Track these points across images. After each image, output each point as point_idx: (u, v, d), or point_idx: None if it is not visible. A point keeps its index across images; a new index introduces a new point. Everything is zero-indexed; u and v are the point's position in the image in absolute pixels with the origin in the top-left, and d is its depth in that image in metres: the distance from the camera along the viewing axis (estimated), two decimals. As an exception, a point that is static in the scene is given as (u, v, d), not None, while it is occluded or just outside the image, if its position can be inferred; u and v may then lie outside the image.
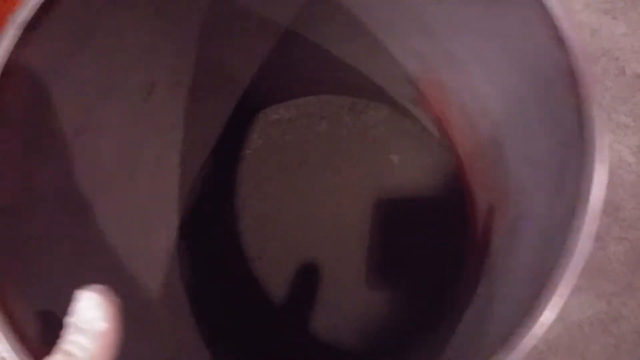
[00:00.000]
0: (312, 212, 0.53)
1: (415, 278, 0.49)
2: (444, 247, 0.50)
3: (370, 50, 0.47)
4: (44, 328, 0.25)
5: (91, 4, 0.31)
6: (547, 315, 0.23)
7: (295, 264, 0.51)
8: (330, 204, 0.52)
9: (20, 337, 0.23)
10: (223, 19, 0.43)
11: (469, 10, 0.33)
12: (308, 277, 0.50)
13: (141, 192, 0.47)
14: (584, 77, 0.25)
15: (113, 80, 0.38)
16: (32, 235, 0.31)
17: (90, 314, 0.23)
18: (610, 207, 0.54)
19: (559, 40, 0.26)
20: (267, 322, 0.50)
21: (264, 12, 0.44)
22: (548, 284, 0.22)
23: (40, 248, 0.31)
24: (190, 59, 0.45)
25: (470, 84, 0.37)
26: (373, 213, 0.51)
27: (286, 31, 0.47)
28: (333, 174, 0.53)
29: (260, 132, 0.56)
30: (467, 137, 0.42)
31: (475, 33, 0.33)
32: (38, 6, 0.28)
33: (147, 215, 0.48)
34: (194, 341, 0.47)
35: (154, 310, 0.45)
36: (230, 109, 0.55)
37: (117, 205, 0.42)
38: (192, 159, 0.55)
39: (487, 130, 0.37)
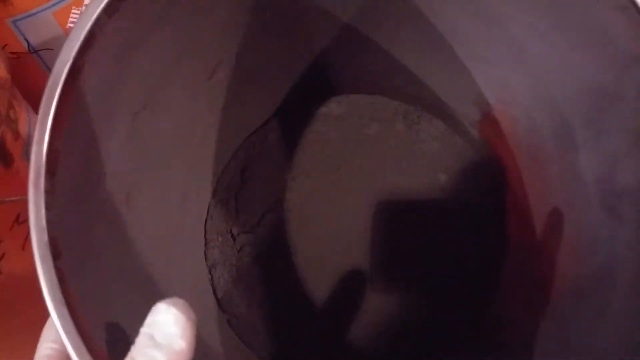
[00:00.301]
0: (346, 218, 0.51)
1: (455, 297, 0.48)
2: (478, 273, 0.49)
3: (442, 64, 0.45)
4: (110, 339, 0.24)
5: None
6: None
7: (326, 264, 0.50)
8: (366, 214, 0.51)
9: (89, 348, 0.21)
10: (292, 12, 0.40)
11: (565, 37, 0.31)
12: (349, 284, 0.49)
13: (184, 169, 0.45)
14: None
15: (184, 57, 0.36)
16: (92, 214, 0.29)
17: (170, 330, 0.22)
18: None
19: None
20: (298, 326, 0.49)
21: (331, 5, 0.42)
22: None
23: (99, 229, 0.30)
24: (254, 44, 0.42)
25: (551, 130, 0.36)
26: (410, 231, 0.50)
27: (350, 27, 0.45)
28: (376, 181, 0.51)
29: (307, 123, 0.54)
30: (530, 186, 0.41)
31: (567, 64, 0.31)
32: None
33: (185, 192, 0.47)
34: (222, 343, 0.46)
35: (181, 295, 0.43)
36: (280, 94, 0.53)
37: (160, 184, 0.41)
38: (233, 140, 0.53)
39: (562, 172, 0.36)
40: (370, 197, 0.51)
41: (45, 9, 0.54)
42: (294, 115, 0.54)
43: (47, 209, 0.23)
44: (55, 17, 0.54)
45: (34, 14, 0.54)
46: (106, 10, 0.25)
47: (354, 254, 0.50)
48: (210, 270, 0.52)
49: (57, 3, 0.54)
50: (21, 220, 0.43)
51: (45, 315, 0.22)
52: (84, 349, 0.22)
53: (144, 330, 0.22)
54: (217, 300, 0.50)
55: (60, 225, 0.24)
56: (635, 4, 0.26)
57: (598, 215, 0.30)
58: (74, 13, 0.55)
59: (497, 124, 0.44)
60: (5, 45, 0.54)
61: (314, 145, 0.54)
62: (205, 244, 0.53)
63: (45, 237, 0.23)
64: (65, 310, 0.22)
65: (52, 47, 0.56)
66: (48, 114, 0.24)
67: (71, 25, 0.55)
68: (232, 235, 0.53)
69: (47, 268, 0.23)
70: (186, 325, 0.22)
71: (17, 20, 0.54)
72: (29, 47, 0.55)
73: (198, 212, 0.50)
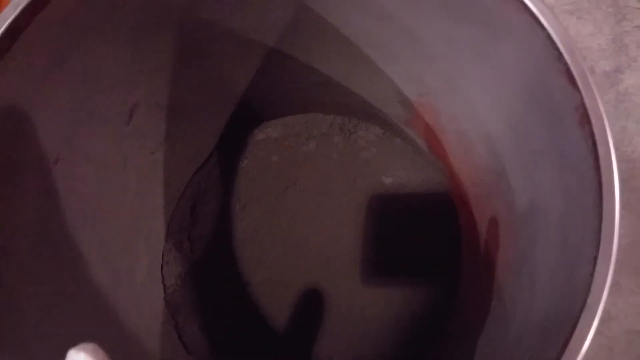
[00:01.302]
0: (302, 236, 0.51)
1: (412, 304, 0.48)
2: (439, 268, 0.48)
3: (362, 71, 0.45)
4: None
5: (61, 31, 0.29)
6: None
7: (286, 289, 0.49)
8: (320, 228, 0.51)
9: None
10: (204, 41, 0.41)
11: (467, 33, 0.31)
12: (305, 305, 0.48)
13: (124, 217, 0.44)
14: (595, 112, 0.25)
15: (92, 105, 0.36)
16: (12, 276, 0.29)
17: (79, 374, 0.21)
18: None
19: (570, 76, 0.25)
20: (258, 350, 0.48)
21: (247, 32, 0.42)
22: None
23: (20, 292, 0.29)
24: (170, 80, 0.43)
25: (470, 110, 0.36)
26: (365, 237, 0.49)
27: (271, 50, 0.46)
28: (323, 196, 0.51)
29: (246, 152, 0.54)
30: (464, 163, 0.41)
31: (476, 58, 0.32)
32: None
33: (130, 241, 0.46)
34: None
35: (141, 341, 0.42)
36: (215, 128, 0.53)
37: (100, 233, 0.40)
38: (175, 181, 0.53)
39: (486, 158, 0.36)
40: (321, 213, 0.51)
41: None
42: (233, 146, 0.55)
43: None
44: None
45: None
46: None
47: (312, 273, 0.49)
48: (173, 316, 0.51)
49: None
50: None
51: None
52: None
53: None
54: (183, 343, 0.49)
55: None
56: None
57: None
58: None
59: (423, 118, 0.44)
60: None
61: (257, 172, 0.54)
62: (165, 290, 0.52)
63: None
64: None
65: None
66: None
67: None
68: (191, 276, 0.52)
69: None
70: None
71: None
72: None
73: (149, 259, 0.49)
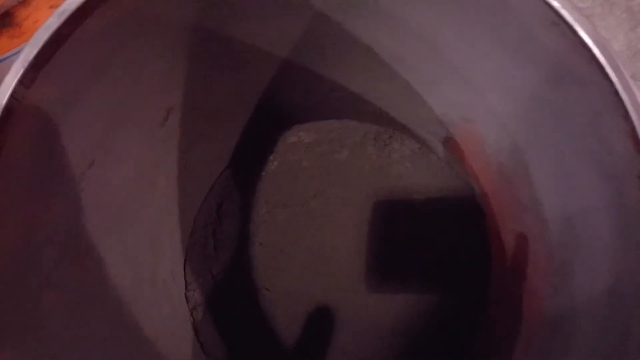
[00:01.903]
0: (326, 246, 0.50)
1: (436, 321, 0.47)
2: (468, 288, 0.47)
3: (404, 92, 0.44)
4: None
5: (104, 38, 0.28)
6: None
7: (304, 299, 0.49)
8: (345, 239, 0.50)
9: None
10: (239, 52, 0.40)
11: (525, 74, 0.30)
12: (320, 320, 0.48)
13: (151, 216, 0.44)
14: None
15: (129, 109, 0.35)
16: (38, 284, 0.29)
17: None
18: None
19: (635, 140, 0.23)
20: (273, 356, 0.48)
21: (280, 46, 0.41)
22: None
23: (45, 298, 0.29)
24: (204, 87, 0.42)
25: (516, 147, 0.34)
26: (389, 254, 0.48)
27: (306, 62, 0.44)
28: (350, 209, 0.50)
29: (277, 154, 0.53)
30: (503, 197, 0.39)
31: (531, 101, 0.30)
32: (42, 44, 0.25)
33: (155, 238, 0.46)
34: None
35: (160, 343, 0.42)
36: (246, 129, 0.53)
37: (125, 236, 0.40)
38: (204, 179, 0.53)
39: (529, 199, 0.34)
40: (347, 225, 0.50)
41: None
42: (264, 147, 0.54)
43: None
44: None
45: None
46: (22, 82, 0.24)
47: (331, 285, 0.49)
48: (192, 313, 0.51)
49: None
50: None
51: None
52: None
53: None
54: (200, 343, 0.49)
55: None
56: (564, 20, 0.25)
57: (557, 238, 0.29)
58: None
59: (463, 142, 0.43)
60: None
61: (286, 176, 0.53)
62: (186, 287, 0.52)
63: None
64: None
65: None
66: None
67: None
68: (212, 275, 0.52)
69: None
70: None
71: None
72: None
73: (172, 255, 0.49)
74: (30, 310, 0.27)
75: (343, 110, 0.52)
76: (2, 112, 0.24)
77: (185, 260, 0.52)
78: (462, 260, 0.48)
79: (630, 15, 0.59)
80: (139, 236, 0.43)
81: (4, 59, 0.53)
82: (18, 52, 0.51)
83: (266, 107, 0.50)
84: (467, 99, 0.36)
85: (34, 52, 0.25)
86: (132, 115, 0.36)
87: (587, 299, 0.27)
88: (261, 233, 0.52)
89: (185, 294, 0.51)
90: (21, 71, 0.24)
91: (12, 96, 0.24)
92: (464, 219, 0.48)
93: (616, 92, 0.24)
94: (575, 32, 0.25)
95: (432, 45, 0.33)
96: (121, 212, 0.39)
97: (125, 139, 0.36)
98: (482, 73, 0.33)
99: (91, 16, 0.27)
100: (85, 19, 0.27)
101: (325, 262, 0.49)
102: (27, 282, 0.28)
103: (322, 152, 0.52)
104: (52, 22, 0.26)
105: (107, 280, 0.37)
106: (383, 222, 0.49)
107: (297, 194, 0.52)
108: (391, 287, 0.48)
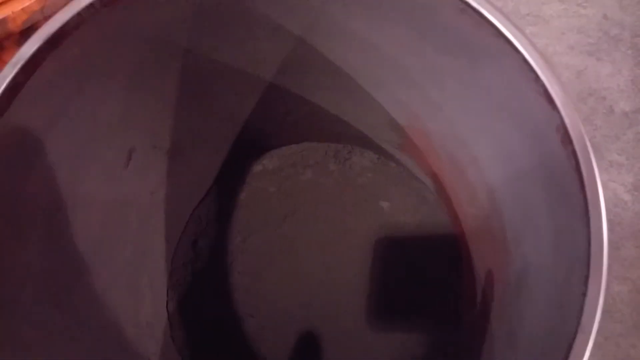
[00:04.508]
0: (303, 265, 0.51)
1: (413, 330, 0.48)
2: (440, 294, 0.49)
3: (352, 99, 0.47)
4: None
5: (58, 84, 0.30)
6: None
7: (290, 321, 0.49)
8: (321, 256, 0.51)
9: None
10: (204, 79, 0.42)
11: (447, 61, 0.33)
12: (306, 339, 0.48)
13: (127, 258, 0.45)
14: (576, 131, 0.25)
15: (91, 151, 0.37)
16: (17, 323, 0.29)
17: None
18: (610, 247, 0.53)
19: (548, 98, 0.26)
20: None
21: (245, 68, 0.44)
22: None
23: (25, 336, 0.29)
24: (168, 122, 0.44)
25: (457, 133, 0.37)
26: (366, 262, 0.50)
27: (267, 84, 0.47)
28: (322, 225, 0.52)
29: (244, 184, 0.55)
30: (458, 185, 0.42)
31: (459, 85, 0.33)
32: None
33: (134, 281, 0.46)
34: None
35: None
36: (213, 163, 0.54)
37: (103, 276, 0.41)
38: (176, 218, 0.54)
39: (478, 179, 0.37)
40: (321, 242, 0.52)
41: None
42: (231, 179, 0.55)
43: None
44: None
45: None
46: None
47: (314, 305, 0.49)
48: (180, 352, 0.51)
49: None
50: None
51: None
52: None
53: None
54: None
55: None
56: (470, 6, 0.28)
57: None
58: None
59: (414, 142, 0.45)
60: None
61: (256, 204, 0.55)
62: (171, 327, 0.52)
63: None
64: None
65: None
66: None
67: None
68: (196, 313, 0.52)
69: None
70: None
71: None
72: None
73: (152, 297, 0.50)
74: (11, 345, 0.28)
75: (302, 133, 0.55)
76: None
77: (166, 302, 0.52)
78: (431, 255, 0.50)
79: (636, 52, 0.62)
80: (118, 278, 0.43)
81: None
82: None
83: (230, 138, 0.52)
84: (407, 97, 0.39)
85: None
86: (96, 156, 0.37)
87: (536, 258, 0.29)
88: (238, 262, 0.53)
89: (170, 335, 0.51)
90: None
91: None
92: (425, 212, 0.50)
93: (525, 59, 0.27)
94: (482, 15, 0.28)
95: (370, 45, 0.36)
96: (96, 252, 0.40)
97: (92, 180, 0.38)
98: (417, 67, 0.36)
99: (44, 63, 0.29)
100: (39, 66, 0.29)
101: (304, 283, 0.50)
102: (6, 319, 0.28)
103: (287, 176, 0.54)
104: (6, 72, 0.28)
105: (88, 320, 0.37)
106: (354, 233, 0.51)
107: (268, 219, 0.53)
108: (371, 304, 0.49)
